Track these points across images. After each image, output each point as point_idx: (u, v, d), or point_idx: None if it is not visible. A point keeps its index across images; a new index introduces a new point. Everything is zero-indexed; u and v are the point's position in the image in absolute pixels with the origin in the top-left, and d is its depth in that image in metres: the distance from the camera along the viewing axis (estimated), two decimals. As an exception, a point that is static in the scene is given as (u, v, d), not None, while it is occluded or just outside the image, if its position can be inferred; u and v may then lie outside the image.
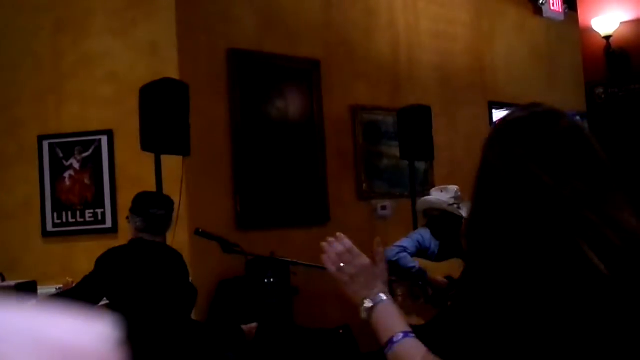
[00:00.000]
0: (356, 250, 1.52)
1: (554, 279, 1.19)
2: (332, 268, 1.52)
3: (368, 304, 1.45)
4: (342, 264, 1.51)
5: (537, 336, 1.20)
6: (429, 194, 4.99)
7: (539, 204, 1.24)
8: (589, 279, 1.18)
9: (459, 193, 4.78)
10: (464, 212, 4.72)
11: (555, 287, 1.19)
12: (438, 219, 4.79)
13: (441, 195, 4.79)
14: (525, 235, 1.23)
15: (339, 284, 1.51)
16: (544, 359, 1.20)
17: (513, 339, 1.21)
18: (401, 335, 1.39)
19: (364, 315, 1.45)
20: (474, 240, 1.34)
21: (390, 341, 1.39)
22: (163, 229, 3.48)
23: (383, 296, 1.46)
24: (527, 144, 1.31)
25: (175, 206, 3.70)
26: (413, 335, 1.40)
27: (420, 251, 4.68)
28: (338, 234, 1.54)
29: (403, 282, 4.59)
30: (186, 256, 3.68)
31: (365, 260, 1.52)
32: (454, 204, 4.72)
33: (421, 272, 4.53)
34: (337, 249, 1.52)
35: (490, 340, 1.22)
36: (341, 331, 5.17)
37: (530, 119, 1.36)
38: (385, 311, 1.44)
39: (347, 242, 1.53)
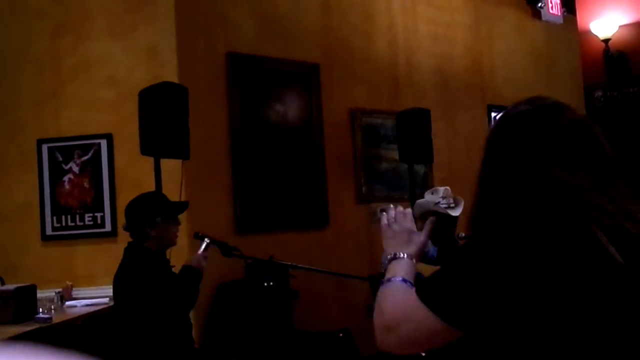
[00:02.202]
0: (411, 216, 1.76)
1: (569, 269, 1.20)
2: (384, 222, 1.72)
3: (390, 255, 1.61)
4: (393, 221, 1.70)
5: (551, 325, 1.21)
6: (422, 197, 5.00)
7: (554, 197, 1.26)
8: (604, 267, 1.19)
9: (449, 192, 4.78)
10: (453, 211, 4.72)
11: (571, 277, 1.20)
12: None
13: (431, 197, 4.80)
14: (538, 227, 1.24)
15: (382, 237, 1.70)
16: (559, 347, 1.21)
17: (526, 329, 1.22)
18: (399, 278, 1.50)
19: (383, 262, 1.62)
20: (480, 234, 1.36)
21: (388, 280, 1.51)
22: (132, 235, 3.52)
23: (406, 255, 1.60)
24: (535, 140, 1.31)
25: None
26: (411, 284, 1.49)
27: (419, 255, 4.68)
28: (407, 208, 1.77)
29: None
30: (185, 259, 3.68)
31: (412, 225, 1.73)
32: (442, 203, 4.71)
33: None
34: (399, 210, 1.74)
35: (501, 332, 1.24)
36: (341, 334, 5.17)
37: (536, 113, 1.36)
38: (399, 263, 1.58)
39: (409, 210, 1.78)
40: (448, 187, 5.07)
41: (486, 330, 1.25)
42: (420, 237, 1.69)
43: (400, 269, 1.55)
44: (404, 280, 1.50)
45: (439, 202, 4.96)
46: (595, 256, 1.19)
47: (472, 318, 1.25)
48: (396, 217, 1.72)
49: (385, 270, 1.58)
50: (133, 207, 3.51)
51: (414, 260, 1.60)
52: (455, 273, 1.30)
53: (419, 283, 1.39)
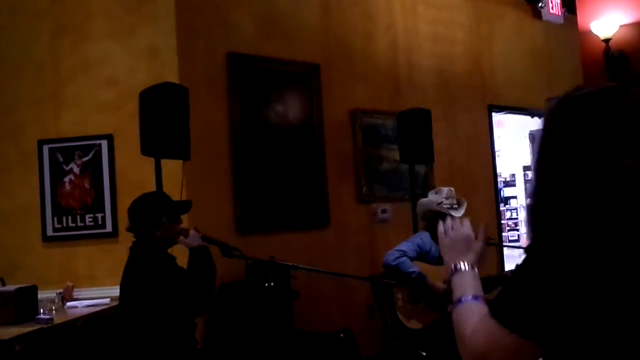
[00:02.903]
0: (469, 224, 1.69)
1: (626, 264, 1.16)
2: (441, 229, 1.70)
3: (452, 267, 1.57)
4: (450, 229, 1.68)
5: (607, 321, 1.18)
6: (426, 197, 5.01)
7: (616, 188, 1.19)
8: None
9: (452, 193, 4.79)
10: (455, 212, 4.73)
11: (628, 273, 1.16)
12: (432, 220, 4.80)
13: (434, 197, 4.82)
14: (598, 218, 1.18)
15: (441, 247, 1.67)
16: (615, 339, 1.19)
17: (584, 324, 1.19)
18: (470, 297, 1.44)
19: (448, 275, 1.58)
20: (540, 222, 1.29)
21: (459, 300, 1.45)
22: (136, 236, 3.50)
23: (467, 265, 1.55)
24: (600, 122, 1.24)
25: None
26: (481, 298, 1.44)
27: (421, 255, 4.68)
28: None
29: (403, 286, 4.59)
30: (186, 260, 3.67)
31: (469, 232, 1.65)
32: (443, 203, 4.73)
33: (421, 276, 4.52)
34: (459, 220, 1.69)
35: (560, 324, 1.20)
36: (342, 335, 5.17)
37: (600, 94, 1.29)
38: (463, 277, 1.53)
39: (467, 222, 1.70)
40: (452, 188, 5.10)
41: (569, 339, 1.22)
42: (477, 244, 1.62)
43: (467, 284, 1.49)
44: (475, 297, 1.44)
45: (442, 202, 4.99)
46: None
47: (553, 330, 1.21)
48: (453, 225, 1.67)
49: (451, 284, 1.54)
50: (137, 207, 3.48)
51: (476, 269, 1.55)
52: (527, 284, 1.25)
53: (493, 303, 1.31)
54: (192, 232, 3.50)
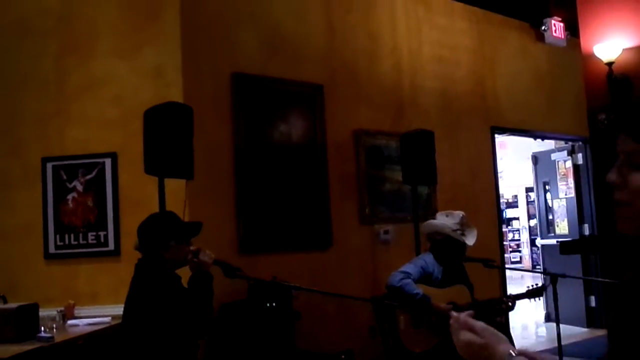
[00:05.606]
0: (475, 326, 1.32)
1: None
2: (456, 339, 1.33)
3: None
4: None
5: None
6: (434, 218, 4.99)
7: None
8: None
9: (465, 219, 4.78)
10: (467, 240, 4.72)
11: None
12: (441, 243, 4.79)
13: (446, 220, 4.79)
14: None
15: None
16: None
17: None
18: None
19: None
20: None
21: None
22: (144, 256, 3.49)
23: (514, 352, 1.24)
24: None
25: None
26: None
27: (424, 277, 4.66)
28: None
29: (406, 309, 4.56)
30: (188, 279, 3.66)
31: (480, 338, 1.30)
32: (458, 229, 4.71)
33: (425, 298, 4.51)
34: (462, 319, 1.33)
35: None
36: (343, 356, 5.14)
37: None
38: None
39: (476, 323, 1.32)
40: (464, 214, 5.07)
41: None
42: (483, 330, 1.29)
43: None
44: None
45: (457, 230, 4.97)
46: None
47: None
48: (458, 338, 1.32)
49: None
50: (146, 229, 3.44)
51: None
52: None
53: None
54: (208, 252, 3.48)
